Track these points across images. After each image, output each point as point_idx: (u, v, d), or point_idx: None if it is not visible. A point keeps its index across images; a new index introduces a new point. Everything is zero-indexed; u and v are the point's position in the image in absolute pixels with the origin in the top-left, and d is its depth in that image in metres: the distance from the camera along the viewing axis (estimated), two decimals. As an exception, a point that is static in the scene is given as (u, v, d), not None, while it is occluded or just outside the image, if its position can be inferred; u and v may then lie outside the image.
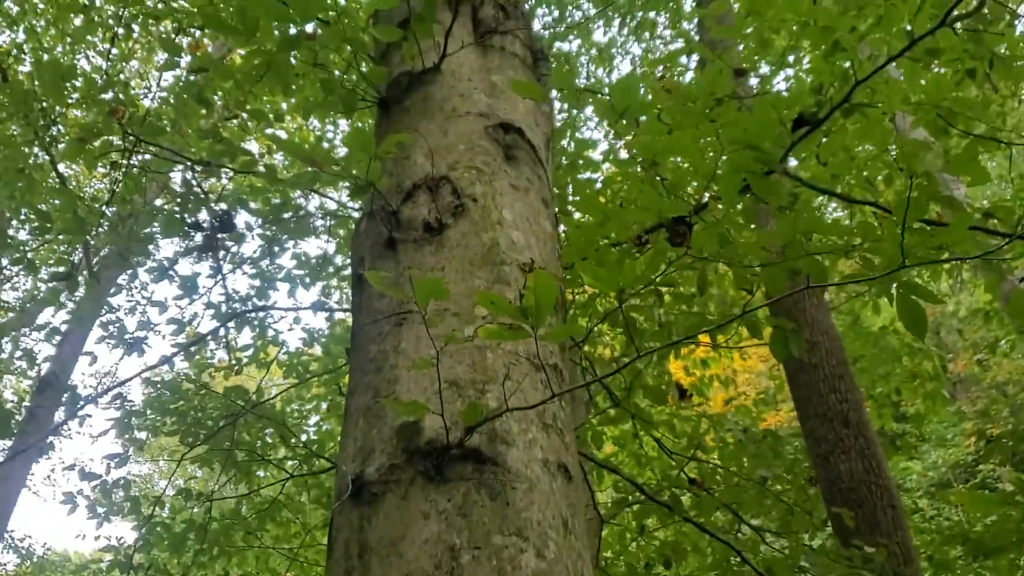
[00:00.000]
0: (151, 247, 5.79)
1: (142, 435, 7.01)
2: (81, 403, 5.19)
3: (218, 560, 6.77)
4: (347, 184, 2.09)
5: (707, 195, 3.46)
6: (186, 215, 4.85)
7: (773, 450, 4.61)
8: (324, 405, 8.15)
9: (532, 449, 1.66)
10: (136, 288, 9.82)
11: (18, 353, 11.58)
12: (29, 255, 8.40)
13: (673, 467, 4.58)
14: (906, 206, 1.46)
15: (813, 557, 3.85)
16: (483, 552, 1.43)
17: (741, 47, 6.29)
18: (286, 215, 5.93)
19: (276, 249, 6.27)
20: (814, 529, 5.51)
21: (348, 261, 8.31)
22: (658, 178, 3.80)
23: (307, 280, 7.04)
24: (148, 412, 6.82)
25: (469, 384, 1.73)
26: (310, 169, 2.81)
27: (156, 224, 6.01)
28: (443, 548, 1.43)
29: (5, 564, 16.42)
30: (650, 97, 3.50)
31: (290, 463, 6.90)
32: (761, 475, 4.47)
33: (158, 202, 10.24)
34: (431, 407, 1.61)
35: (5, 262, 11.22)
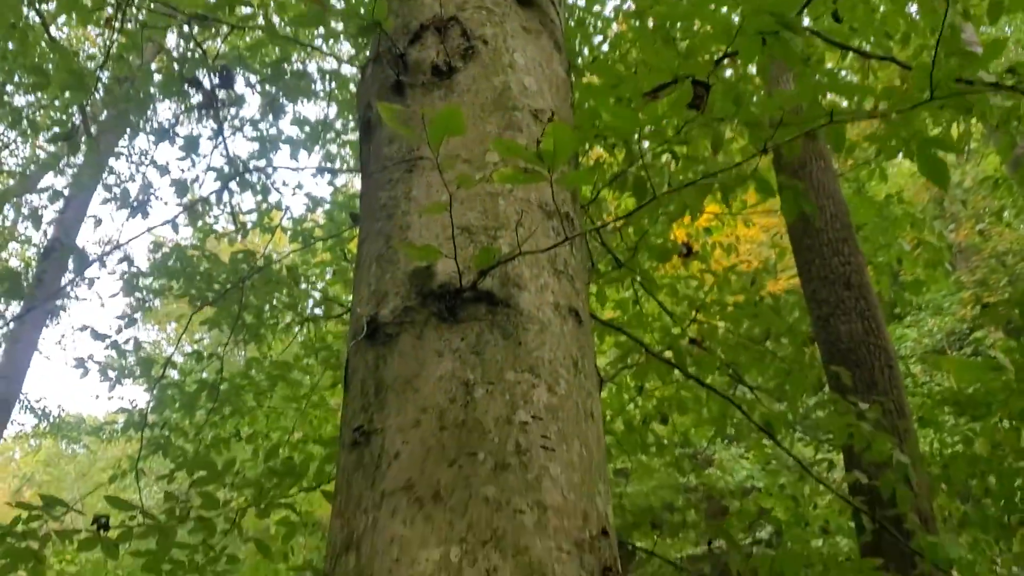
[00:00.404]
0: (149, 110, 5.68)
1: (149, 299, 7.08)
2: (89, 262, 5.22)
3: (229, 420, 6.97)
4: (350, 31, 2.02)
5: (723, 51, 3.36)
6: (184, 74, 4.73)
7: (773, 309, 4.67)
8: (329, 272, 8.19)
9: (544, 293, 1.67)
10: (136, 153, 9.71)
11: (22, 218, 11.56)
12: (27, 117, 8.24)
13: (674, 327, 4.66)
14: (939, 31, 1.41)
15: (811, 410, 3.97)
16: (496, 387, 1.46)
17: None
18: (286, 76, 5.79)
19: (276, 111, 6.16)
20: (810, 392, 5.65)
21: (349, 125, 8.17)
22: (673, 38, 3.68)
23: (308, 144, 6.95)
24: (155, 275, 6.86)
25: (481, 230, 1.73)
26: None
27: (153, 87, 5.88)
28: (457, 383, 1.47)
29: (23, 425, 17.02)
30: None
31: (297, 329, 7.00)
32: (761, 332, 4.54)
33: (154, 66, 9.98)
34: (444, 252, 1.61)
35: (1, 128, 11.04)
